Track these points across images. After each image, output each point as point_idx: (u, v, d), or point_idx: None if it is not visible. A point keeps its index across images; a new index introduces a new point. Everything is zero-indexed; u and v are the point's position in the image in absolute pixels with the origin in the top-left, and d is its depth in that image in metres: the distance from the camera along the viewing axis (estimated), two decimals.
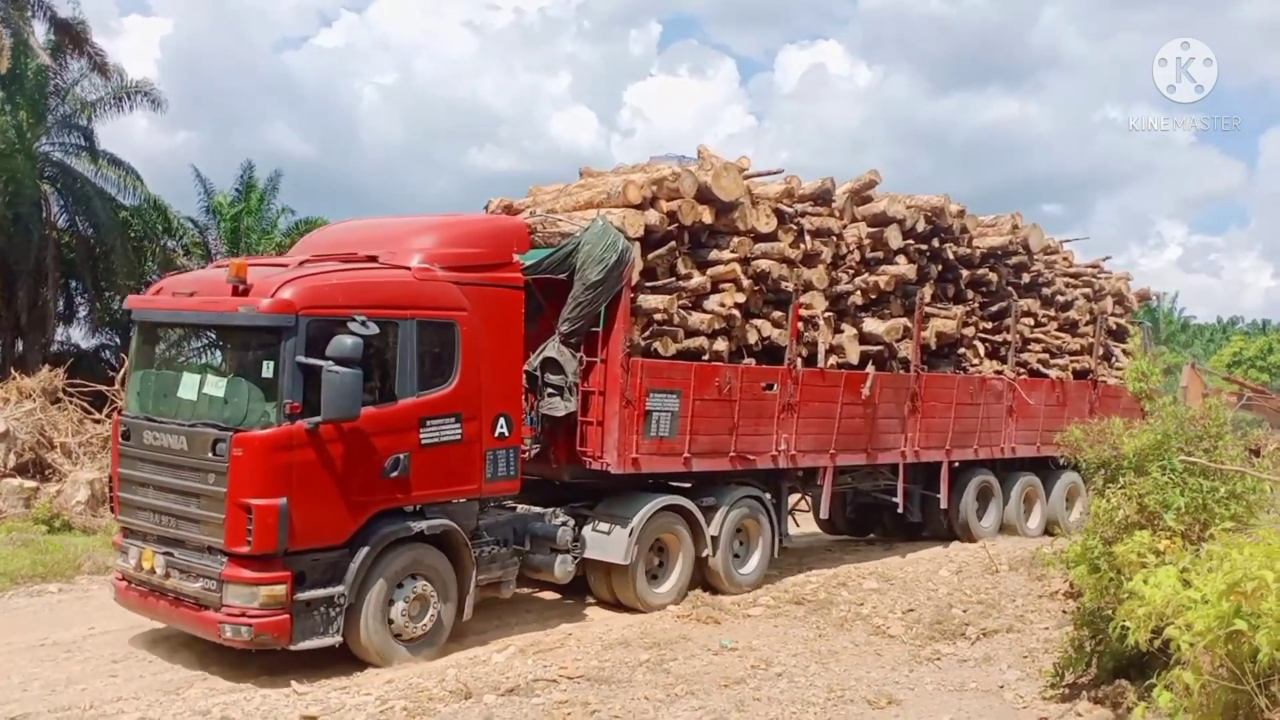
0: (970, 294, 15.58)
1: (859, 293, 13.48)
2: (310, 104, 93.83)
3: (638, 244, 11.09)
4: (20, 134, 26.53)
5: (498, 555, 10.16)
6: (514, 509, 11.38)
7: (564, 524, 10.89)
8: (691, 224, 11.70)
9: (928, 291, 14.71)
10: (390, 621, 9.13)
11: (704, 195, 11.77)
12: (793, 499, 13.90)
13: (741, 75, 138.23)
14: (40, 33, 26.20)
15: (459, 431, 9.54)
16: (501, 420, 9.92)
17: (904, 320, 14.13)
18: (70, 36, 26.32)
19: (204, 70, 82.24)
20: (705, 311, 11.71)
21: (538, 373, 10.89)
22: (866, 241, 13.82)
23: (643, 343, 11.18)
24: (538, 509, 11.40)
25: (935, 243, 14.82)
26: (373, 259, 9.65)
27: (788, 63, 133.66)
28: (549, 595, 12.02)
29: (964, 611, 11.14)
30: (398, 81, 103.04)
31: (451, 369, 9.52)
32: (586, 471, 11.06)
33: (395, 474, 9.04)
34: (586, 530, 11.20)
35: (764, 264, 12.21)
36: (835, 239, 13.28)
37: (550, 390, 10.92)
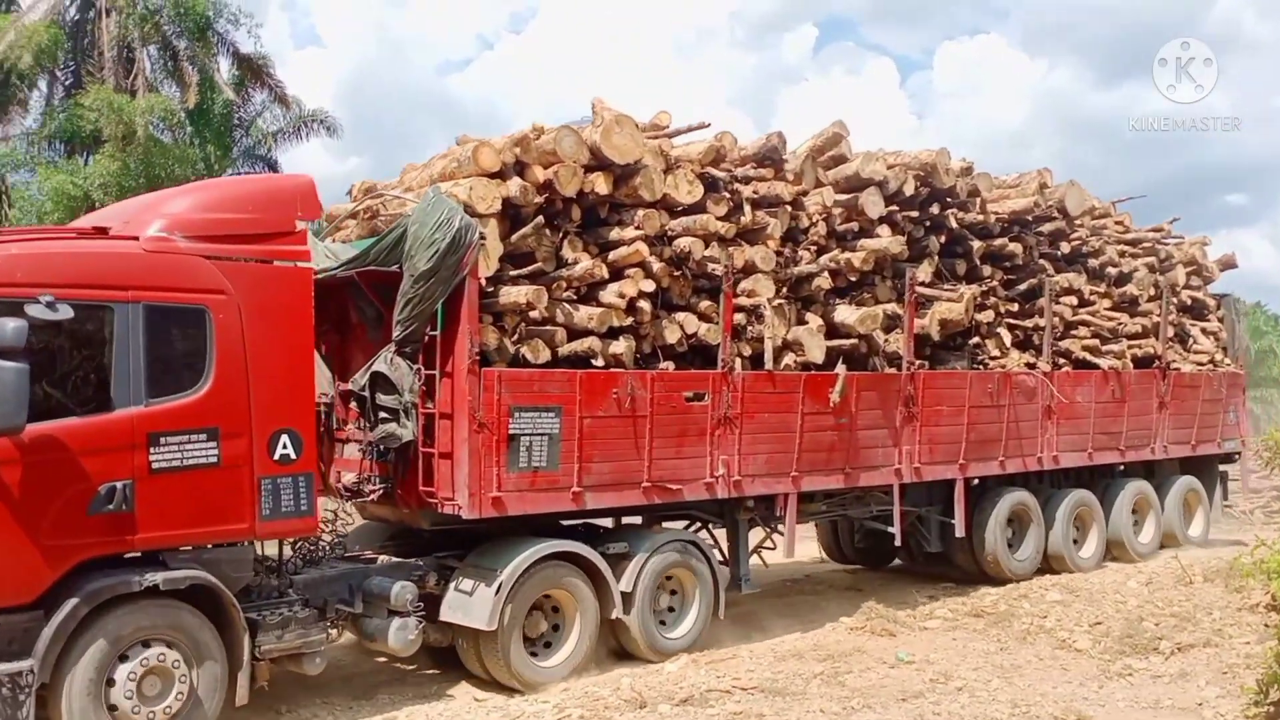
0: (988, 270, 12.69)
1: (826, 274, 10.79)
2: (472, 124, 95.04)
3: (492, 221, 8.66)
4: (209, 165, 26.38)
5: (293, 619, 7.75)
6: (359, 556, 9.08)
7: (406, 580, 8.49)
8: (578, 195, 9.21)
9: (926, 269, 11.91)
10: (112, 708, 6.83)
11: (597, 159, 9.28)
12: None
13: (900, 74, 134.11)
14: (225, 68, 26.98)
15: (214, 452, 7.22)
16: (284, 438, 7.53)
17: (887, 306, 11.38)
18: (252, 71, 27.12)
19: (371, 96, 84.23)
20: (600, 304, 9.19)
21: (366, 393, 8.55)
22: (838, 212, 11.13)
23: (512, 348, 8.73)
24: (392, 559, 9.06)
25: (934, 209, 12.02)
26: (102, 230, 7.50)
27: (947, 59, 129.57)
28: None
29: (1156, 625, 10.44)
30: (555, 99, 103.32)
31: (202, 369, 7.23)
32: (447, 517, 8.65)
33: (110, 508, 6.79)
34: (450, 587, 8.80)
35: (685, 242, 9.64)
36: (788, 209, 10.63)
37: (384, 414, 8.55)
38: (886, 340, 11.44)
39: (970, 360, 12.35)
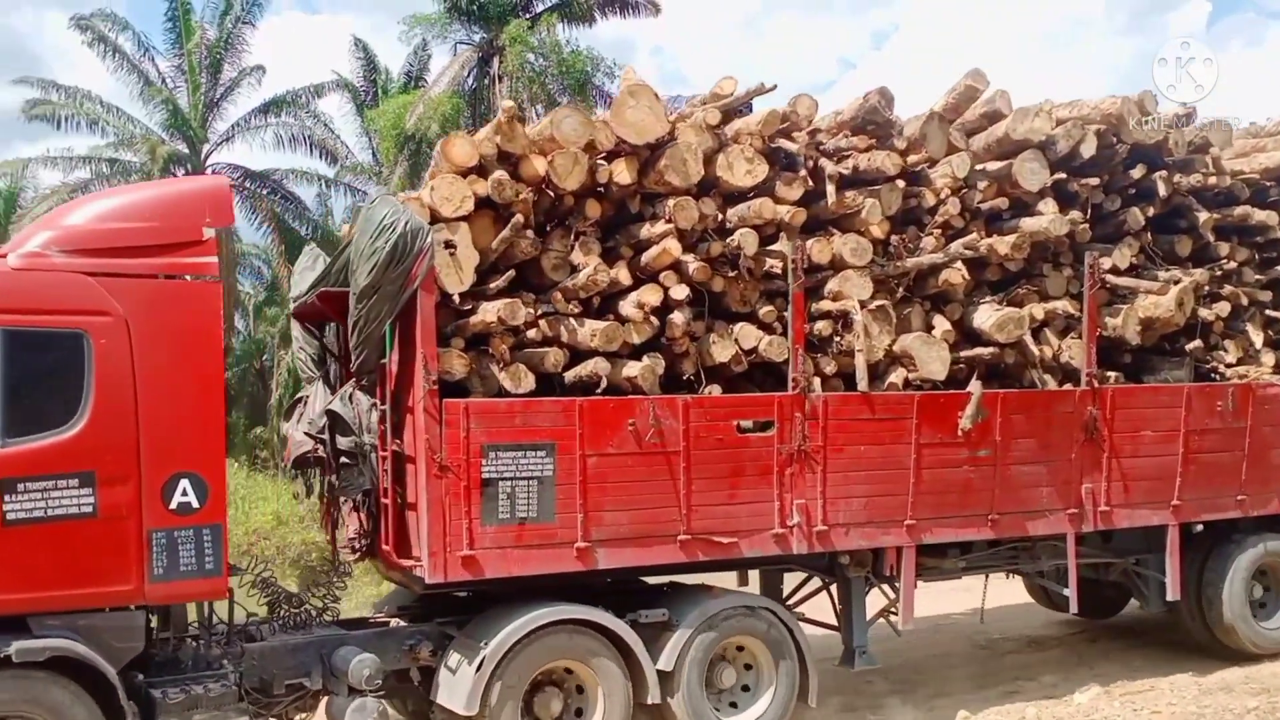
0: (1224, 248, 9.69)
1: (960, 266, 8.47)
2: None
3: (463, 226, 7.23)
4: None
5: (202, 698, 6.54)
6: (353, 621, 7.94)
7: (371, 652, 7.19)
8: (599, 187, 7.62)
9: (1125, 253, 9.19)
10: None
11: (613, 143, 7.65)
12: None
13: None
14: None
15: (88, 501, 6.19)
16: (184, 484, 6.41)
17: (1057, 305, 8.83)
18: None
19: None
20: (613, 317, 7.53)
21: (324, 436, 7.39)
22: (983, 185, 8.76)
23: (499, 374, 7.27)
24: (387, 627, 7.86)
25: (1134, 173, 9.28)
26: None
27: None
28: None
29: None
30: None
31: (76, 403, 6.24)
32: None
33: None
34: (443, 662, 7.44)
35: (739, 236, 7.75)
36: (899, 186, 8.42)
37: (344, 459, 7.35)
38: (1061, 347, 8.90)
39: (1193, 368, 9.44)
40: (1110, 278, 9.02)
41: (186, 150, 26.94)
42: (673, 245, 7.53)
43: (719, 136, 8.00)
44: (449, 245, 7.13)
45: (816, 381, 7.94)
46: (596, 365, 7.34)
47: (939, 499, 8.27)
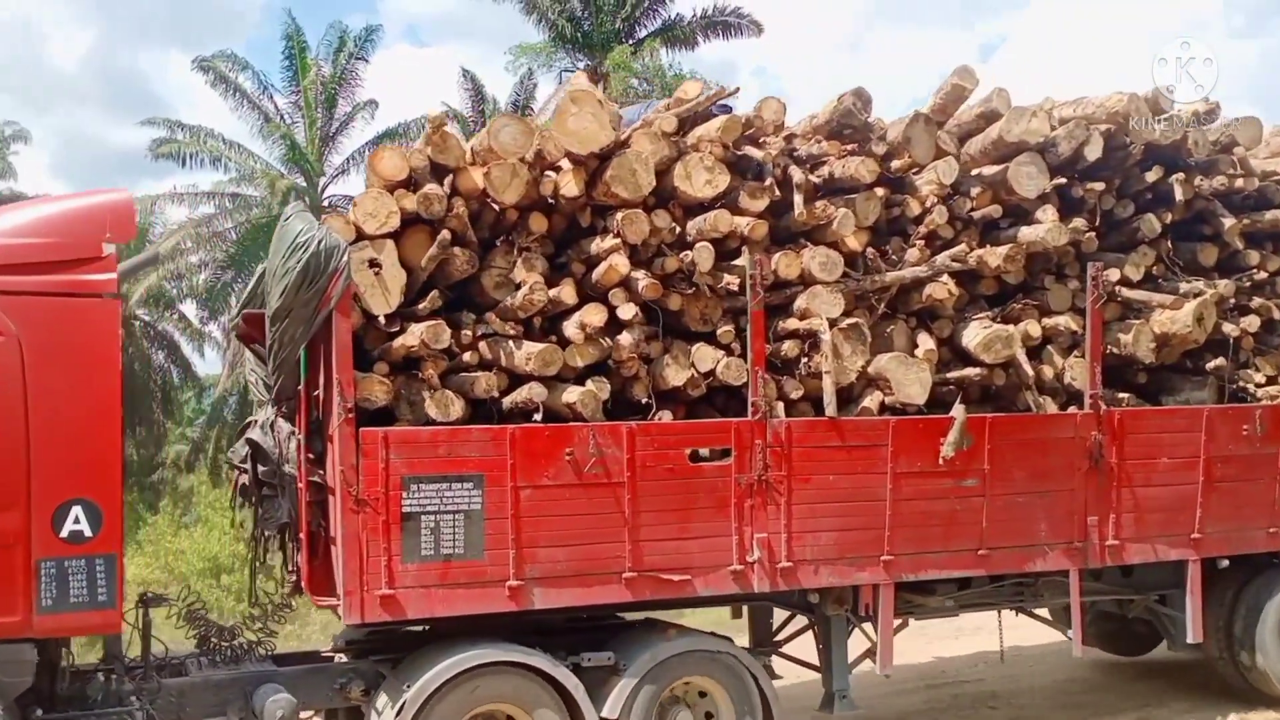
0: (1255, 258, 8.83)
1: (947, 280, 7.81)
2: None
3: (389, 244, 6.82)
4: None
5: None
6: (289, 656, 7.57)
7: (304, 689, 6.84)
8: (524, 201, 7.15)
9: (1139, 264, 8.42)
10: None
11: (559, 153, 7.19)
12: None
13: None
14: None
15: None
16: (76, 511, 6.09)
17: (1059, 320, 8.12)
18: None
19: None
20: (560, 340, 7.05)
21: (246, 466, 7.05)
22: (976, 192, 8.09)
23: (427, 399, 6.83)
24: (328, 664, 7.47)
25: (1150, 176, 8.50)
26: None
27: None
28: None
29: None
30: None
31: None
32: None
33: None
34: (373, 703, 7.03)
35: (701, 248, 7.21)
36: (877, 194, 7.79)
37: (266, 490, 7.00)
38: (1065, 367, 8.17)
39: (1217, 389, 8.61)
40: (1124, 290, 8.26)
41: (304, 183, 27.66)
42: (619, 261, 7.02)
43: (677, 145, 7.48)
44: (374, 264, 6.73)
45: (780, 406, 7.34)
46: (531, 390, 6.87)
47: (920, 533, 7.60)
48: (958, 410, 7.58)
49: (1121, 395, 8.32)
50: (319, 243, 6.42)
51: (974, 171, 8.27)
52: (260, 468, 6.98)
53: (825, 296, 7.44)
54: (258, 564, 7.44)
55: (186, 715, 6.69)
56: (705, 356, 7.28)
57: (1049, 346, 8.25)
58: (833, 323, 7.38)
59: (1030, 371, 7.85)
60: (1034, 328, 7.98)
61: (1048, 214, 8.05)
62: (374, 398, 6.65)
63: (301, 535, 6.85)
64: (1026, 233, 8.00)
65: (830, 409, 7.33)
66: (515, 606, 6.81)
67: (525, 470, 6.76)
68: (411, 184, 7.01)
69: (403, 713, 6.60)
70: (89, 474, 6.20)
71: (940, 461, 7.51)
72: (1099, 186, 8.29)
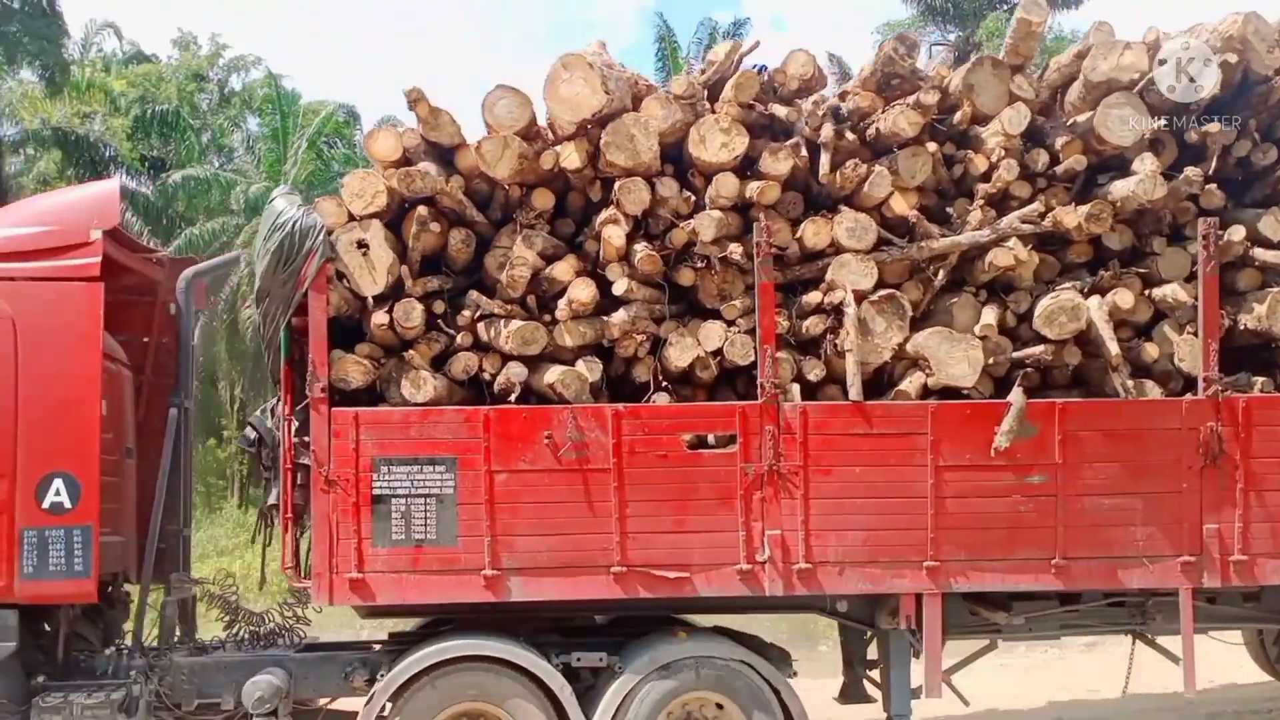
0: None
1: (1008, 247, 6.70)
2: None
3: (375, 224, 6.70)
4: None
5: (75, 706, 6.44)
6: (307, 644, 7.53)
7: (311, 676, 6.81)
8: (524, 176, 6.81)
9: (1273, 222, 6.91)
10: None
11: (559, 125, 6.84)
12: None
13: None
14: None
15: None
16: (57, 484, 6.43)
17: (1166, 290, 6.79)
18: None
19: None
20: (539, 319, 6.65)
21: (254, 449, 7.14)
22: (1065, 144, 6.94)
23: (403, 379, 6.64)
24: (346, 651, 7.39)
25: None
26: None
27: None
28: None
29: None
30: None
31: None
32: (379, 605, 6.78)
33: None
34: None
35: (702, 217, 6.63)
36: (928, 150, 6.82)
37: (266, 473, 7.04)
38: (1178, 345, 6.82)
39: None
40: (1259, 251, 6.81)
41: None
42: (612, 232, 6.57)
43: (693, 108, 6.93)
44: (361, 245, 6.66)
45: (795, 389, 6.57)
46: (509, 370, 6.53)
47: (974, 536, 6.54)
48: (1015, 394, 6.49)
49: (1257, 379, 6.83)
50: (295, 223, 6.45)
51: (1071, 120, 7.12)
52: (263, 451, 7.06)
53: (855, 266, 6.62)
54: (264, 547, 7.51)
55: (185, 694, 6.81)
56: (711, 334, 6.66)
57: (1163, 323, 6.93)
58: (863, 295, 6.55)
59: (1116, 350, 6.58)
60: (1124, 298, 6.70)
61: (1145, 164, 6.77)
62: (349, 378, 6.54)
63: (287, 517, 6.82)
64: (1118, 187, 6.77)
65: (854, 391, 6.49)
66: (493, 597, 6.47)
67: (501, 454, 6.44)
68: (407, 164, 6.89)
69: (372, 703, 6.44)
70: (70, 448, 6.54)
71: (991, 453, 6.44)
72: (1215, 128, 6.87)
